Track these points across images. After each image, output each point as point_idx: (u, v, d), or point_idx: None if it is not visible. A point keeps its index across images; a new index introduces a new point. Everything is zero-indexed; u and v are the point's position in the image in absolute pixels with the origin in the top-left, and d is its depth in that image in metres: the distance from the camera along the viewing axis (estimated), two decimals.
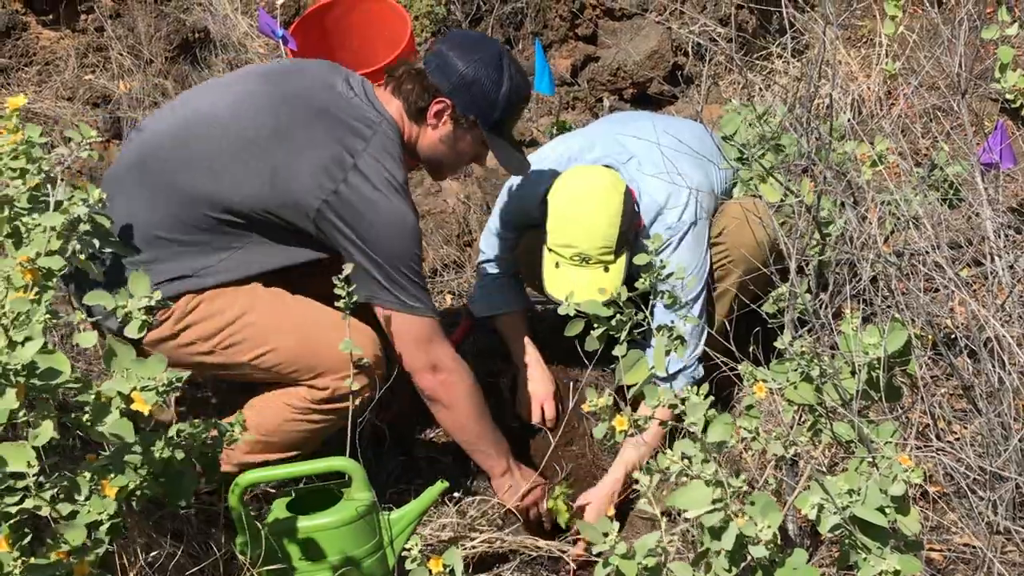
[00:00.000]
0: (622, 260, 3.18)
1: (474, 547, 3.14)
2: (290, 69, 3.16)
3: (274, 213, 2.92)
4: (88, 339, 2.31)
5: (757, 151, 3.02)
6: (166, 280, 2.88)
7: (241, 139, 2.94)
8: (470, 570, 3.14)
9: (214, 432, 2.62)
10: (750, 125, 3.18)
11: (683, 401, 2.30)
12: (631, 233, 3.23)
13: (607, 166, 3.40)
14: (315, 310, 2.99)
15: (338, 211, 2.88)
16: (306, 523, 2.84)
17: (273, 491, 3.15)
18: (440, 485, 2.97)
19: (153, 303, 2.42)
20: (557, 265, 3.23)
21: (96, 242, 2.47)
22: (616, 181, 3.25)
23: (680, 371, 3.38)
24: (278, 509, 2.91)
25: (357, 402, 2.99)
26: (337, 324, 2.89)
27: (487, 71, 3.03)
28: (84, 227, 2.46)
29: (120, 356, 2.28)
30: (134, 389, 2.24)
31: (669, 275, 2.82)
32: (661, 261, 2.84)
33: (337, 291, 2.77)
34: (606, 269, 3.18)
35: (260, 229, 2.94)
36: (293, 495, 2.96)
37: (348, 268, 2.80)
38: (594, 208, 3.17)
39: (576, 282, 3.16)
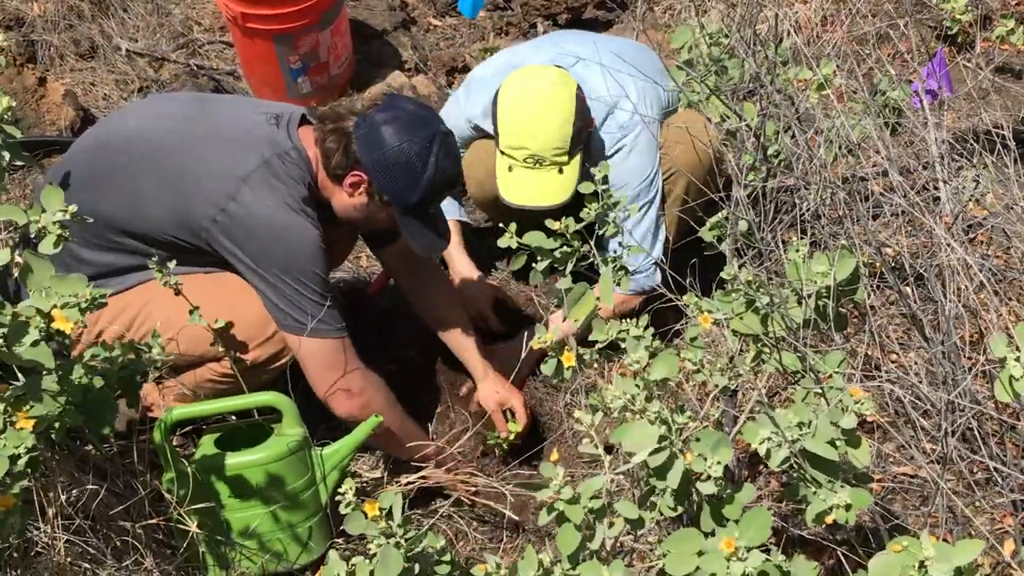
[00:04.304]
0: (576, 161, 3.13)
1: (411, 483, 3.07)
2: (218, 97, 3.04)
3: (172, 234, 2.82)
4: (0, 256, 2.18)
5: (703, 73, 2.93)
6: None
7: (140, 159, 2.85)
8: (406, 506, 3.07)
9: (132, 355, 2.51)
10: (693, 47, 3.10)
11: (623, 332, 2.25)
12: (584, 133, 3.17)
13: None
14: (209, 289, 2.84)
15: (227, 230, 2.77)
16: (235, 460, 2.76)
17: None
18: (374, 420, 2.90)
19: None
20: (510, 169, 3.16)
21: (6, 155, 2.31)
22: (566, 78, 3.19)
23: (631, 274, 3.32)
24: (206, 446, 2.84)
25: (280, 362, 2.95)
26: (234, 296, 2.83)
27: (412, 155, 2.84)
28: None
29: (37, 272, 2.13)
30: (54, 307, 2.09)
31: (616, 204, 2.73)
32: (610, 196, 2.75)
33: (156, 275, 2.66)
34: (560, 171, 3.11)
35: (167, 251, 2.81)
36: (222, 432, 2.88)
37: None
38: (546, 107, 3.11)
39: (531, 185, 3.09)
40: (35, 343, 2.03)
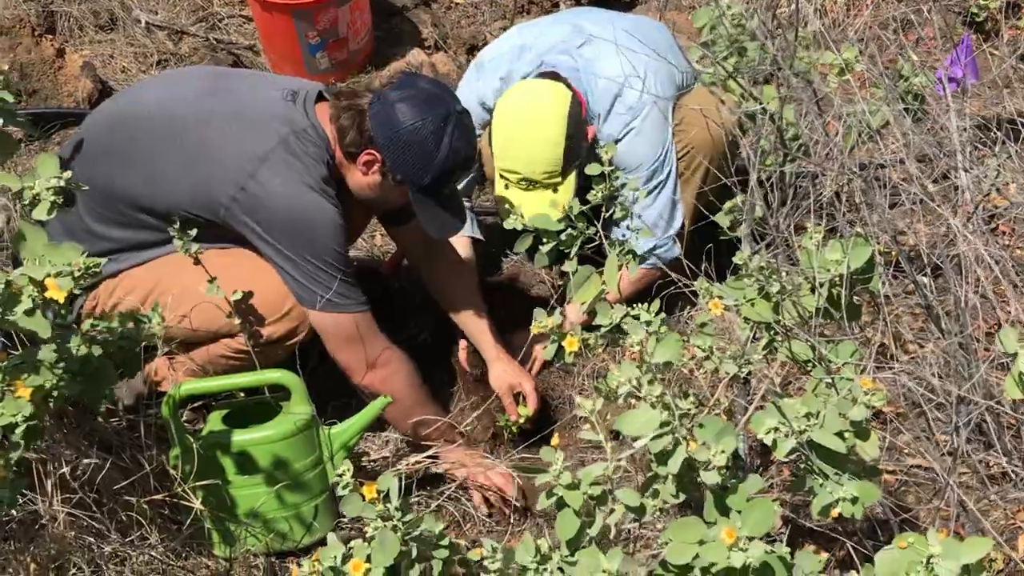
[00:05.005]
0: (571, 179, 3.10)
1: (418, 463, 3.05)
2: (236, 72, 3.02)
3: (189, 211, 2.80)
4: None
5: (722, 53, 2.89)
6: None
7: (159, 134, 2.85)
8: (412, 488, 3.06)
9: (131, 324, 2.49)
10: (712, 28, 3.05)
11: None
12: (580, 146, 3.12)
13: (561, 53, 3.31)
14: (225, 265, 2.82)
15: (246, 209, 2.77)
16: (241, 437, 2.75)
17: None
18: (383, 400, 2.88)
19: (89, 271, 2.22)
20: (507, 187, 3.13)
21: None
22: (559, 97, 3.13)
23: (652, 250, 3.28)
24: (214, 422, 2.82)
25: (295, 340, 2.95)
26: (250, 273, 2.83)
27: (426, 136, 2.81)
28: None
29: (30, 240, 2.11)
30: (48, 275, 2.06)
31: (622, 185, 2.70)
32: (616, 175, 2.71)
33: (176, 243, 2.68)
34: (554, 190, 3.08)
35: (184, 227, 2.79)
36: (230, 408, 2.87)
37: None
38: (535, 133, 3.07)
39: (525, 204, 3.05)
40: (29, 311, 2.01)
